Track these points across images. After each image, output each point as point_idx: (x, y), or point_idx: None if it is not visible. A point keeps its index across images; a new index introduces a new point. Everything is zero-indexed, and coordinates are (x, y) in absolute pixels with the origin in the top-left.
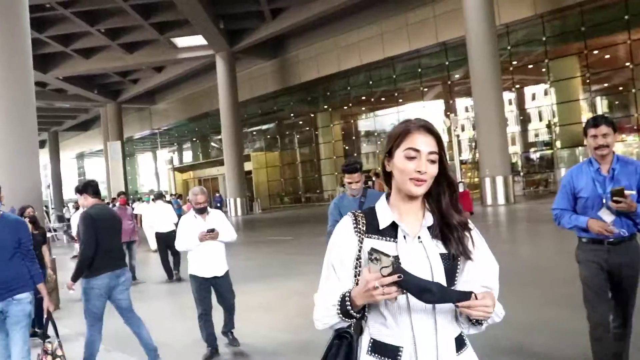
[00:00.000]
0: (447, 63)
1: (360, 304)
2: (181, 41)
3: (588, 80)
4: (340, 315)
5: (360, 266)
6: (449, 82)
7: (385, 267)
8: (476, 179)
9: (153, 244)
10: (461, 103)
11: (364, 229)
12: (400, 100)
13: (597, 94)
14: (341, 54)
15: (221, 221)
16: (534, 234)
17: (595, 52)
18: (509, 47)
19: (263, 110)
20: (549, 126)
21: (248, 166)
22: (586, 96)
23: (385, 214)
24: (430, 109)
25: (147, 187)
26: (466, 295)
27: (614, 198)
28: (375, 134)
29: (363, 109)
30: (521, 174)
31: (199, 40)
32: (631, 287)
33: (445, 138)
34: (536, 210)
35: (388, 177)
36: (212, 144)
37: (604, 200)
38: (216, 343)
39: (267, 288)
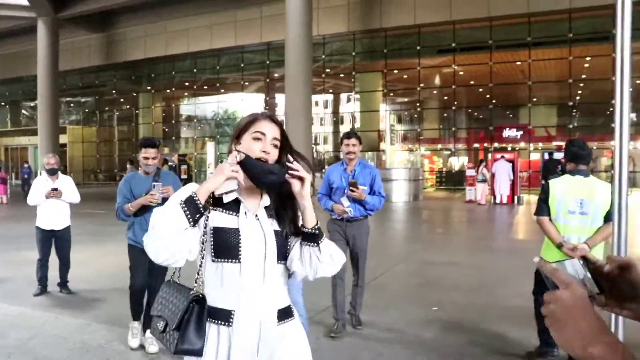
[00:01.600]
0: (268, 62)
1: (205, 190)
2: None
3: (386, 95)
4: (185, 209)
5: (205, 234)
6: (268, 80)
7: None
8: None
9: None
10: (280, 99)
11: (211, 201)
12: (222, 91)
13: (392, 108)
14: (169, 39)
15: (68, 184)
16: None
17: (395, 71)
18: (323, 56)
19: (84, 83)
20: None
21: (63, 139)
22: (384, 108)
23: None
24: (249, 102)
25: None
26: (286, 170)
27: (350, 187)
28: (195, 120)
29: (186, 94)
30: (321, 173)
31: None
32: (361, 252)
33: None
34: None
35: (245, 171)
36: (24, 111)
37: (345, 190)
38: (47, 284)
39: (84, 249)
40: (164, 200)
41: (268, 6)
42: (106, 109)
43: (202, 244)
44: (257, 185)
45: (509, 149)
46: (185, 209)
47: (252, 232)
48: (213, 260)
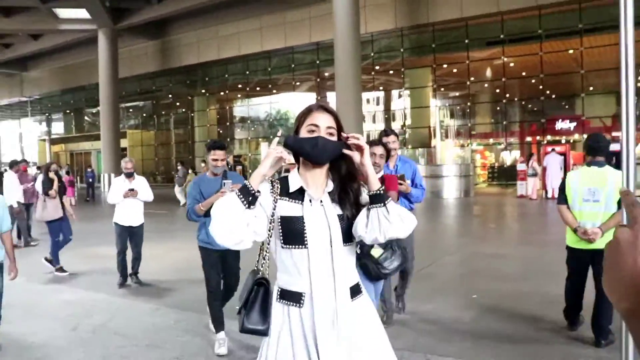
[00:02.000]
0: (317, 62)
1: (258, 176)
2: (63, 12)
3: (436, 90)
4: (239, 195)
5: (273, 222)
6: (318, 79)
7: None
8: None
9: None
10: (331, 97)
11: (278, 192)
12: (274, 91)
13: (442, 103)
14: (221, 43)
15: (142, 185)
16: None
17: (444, 65)
18: (372, 54)
19: (142, 89)
20: (402, 127)
21: (124, 143)
22: (434, 103)
23: (295, 181)
24: (301, 101)
25: (10, 156)
26: (342, 142)
27: (398, 181)
28: (249, 121)
29: (239, 96)
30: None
31: (81, 13)
32: (408, 244)
33: None
34: None
35: (296, 153)
36: (87, 117)
37: None
38: (127, 274)
39: (151, 245)
40: None
41: (316, 7)
42: (163, 113)
43: (270, 230)
44: (314, 161)
45: (563, 141)
46: (239, 194)
47: (316, 218)
48: (282, 247)
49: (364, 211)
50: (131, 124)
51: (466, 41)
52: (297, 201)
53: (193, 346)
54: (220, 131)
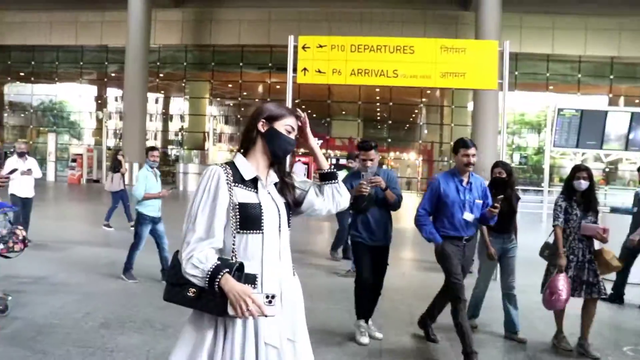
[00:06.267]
0: (106, 63)
1: (226, 291)
2: None
3: (212, 102)
4: (206, 281)
5: (232, 210)
6: (105, 79)
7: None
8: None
9: None
10: (112, 93)
11: (232, 179)
12: (60, 83)
13: (218, 112)
14: (4, 30)
15: (34, 164)
16: None
17: (221, 81)
18: (158, 63)
19: None
20: (180, 130)
21: None
22: (210, 112)
23: (248, 169)
24: (85, 95)
25: None
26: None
27: (494, 205)
28: (32, 110)
29: (20, 84)
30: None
31: None
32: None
33: (93, 126)
34: None
35: (254, 137)
36: None
37: (466, 205)
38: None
39: None
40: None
41: (110, 13)
42: None
43: (228, 215)
44: (279, 157)
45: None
46: (207, 280)
47: (268, 205)
48: (238, 232)
49: (312, 189)
50: None
51: (240, 64)
52: (250, 188)
53: None
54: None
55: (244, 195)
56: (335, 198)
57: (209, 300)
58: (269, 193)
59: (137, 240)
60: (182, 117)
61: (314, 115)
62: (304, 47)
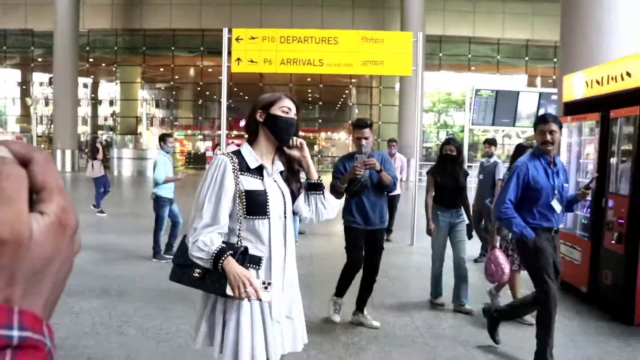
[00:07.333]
0: (32, 48)
1: (227, 272)
2: None
3: (143, 86)
4: (211, 262)
5: (238, 197)
6: (32, 65)
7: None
8: (49, 151)
9: None
10: (38, 78)
11: (238, 168)
12: None
13: (150, 97)
14: None
15: None
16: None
17: (150, 66)
18: (87, 47)
19: None
20: (112, 115)
21: None
22: (142, 96)
23: (253, 158)
24: (10, 81)
25: None
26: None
27: (584, 190)
28: None
29: None
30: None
31: None
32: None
33: (18, 113)
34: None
35: (255, 127)
36: None
37: (556, 191)
38: None
39: None
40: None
41: None
42: None
43: (235, 201)
44: (283, 139)
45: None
46: (212, 261)
47: (274, 192)
48: (245, 217)
49: (302, 195)
50: None
51: (172, 48)
52: (256, 176)
53: None
54: None
55: (250, 183)
56: (319, 209)
57: (213, 282)
58: (275, 181)
59: (160, 222)
60: (113, 102)
61: (246, 98)
62: (237, 39)
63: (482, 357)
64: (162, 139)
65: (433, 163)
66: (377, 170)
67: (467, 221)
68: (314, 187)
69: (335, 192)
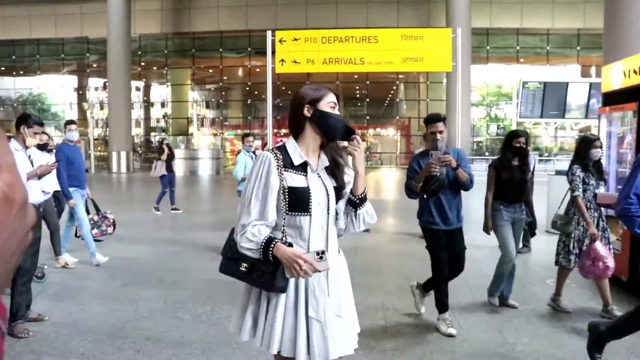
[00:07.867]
0: (88, 55)
1: (279, 257)
2: None
3: (193, 87)
4: (261, 251)
5: (282, 193)
6: (88, 70)
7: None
8: (105, 153)
9: None
10: (93, 83)
11: (282, 164)
12: (42, 76)
13: (200, 98)
14: None
15: None
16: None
17: (201, 67)
18: (139, 52)
19: None
20: (164, 117)
21: None
22: (193, 97)
23: (298, 155)
24: (67, 87)
25: None
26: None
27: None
28: (10, 103)
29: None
30: (139, 151)
31: None
32: None
33: (76, 117)
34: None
35: (301, 122)
36: None
37: None
38: None
39: None
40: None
41: (87, 4)
42: None
43: (279, 198)
44: (332, 137)
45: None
46: (261, 251)
47: (317, 188)
48: (287, 213)
49: (343, 202)
50: None
51: (220, 49)
52: (300, 172)
53: None
54: None
55: (294, 179)
56: (363, 222)
57: (259, 276)
58: (319, 177)
59: None
60: (165, 104)
61: None
62: (280, 41)
63: None
64: (243, 138)
65: (480, 157)
66: (454, 167)
67: (526, 217)
68: (360, 201)
69: (411, 191)
